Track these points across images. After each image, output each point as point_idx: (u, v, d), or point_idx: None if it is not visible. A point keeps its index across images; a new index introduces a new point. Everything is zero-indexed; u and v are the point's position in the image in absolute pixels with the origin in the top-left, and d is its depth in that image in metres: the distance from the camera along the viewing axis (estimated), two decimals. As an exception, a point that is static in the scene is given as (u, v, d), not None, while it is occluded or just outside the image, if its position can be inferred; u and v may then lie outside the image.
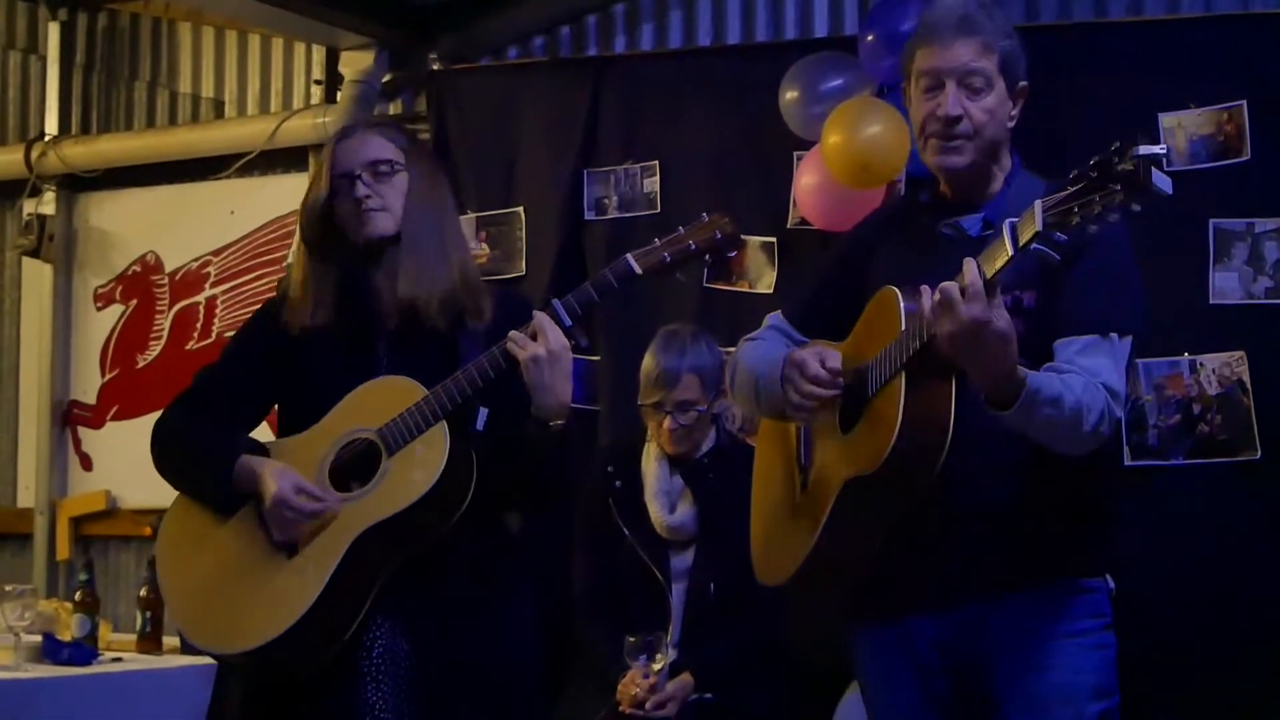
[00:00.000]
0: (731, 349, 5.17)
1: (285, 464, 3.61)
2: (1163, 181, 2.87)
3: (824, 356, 3.46)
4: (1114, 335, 3.34)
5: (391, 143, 3.73)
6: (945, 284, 3.11)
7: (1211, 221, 5.15)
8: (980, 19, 3.45)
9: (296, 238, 3.80)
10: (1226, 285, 5.15)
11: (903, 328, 3.30)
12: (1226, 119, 5.16)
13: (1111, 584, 3.50)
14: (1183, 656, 4.99)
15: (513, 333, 3.51)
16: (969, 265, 3.10)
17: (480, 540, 3.63)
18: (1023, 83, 3.51)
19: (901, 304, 3.34)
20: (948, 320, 3.10)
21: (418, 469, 3.51)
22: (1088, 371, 3.26)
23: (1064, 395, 3.19)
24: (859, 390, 3.41)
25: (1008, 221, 3.08)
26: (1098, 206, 2.91)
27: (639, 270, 3.55)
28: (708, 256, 3.62)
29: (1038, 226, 2.98)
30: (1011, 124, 3.51)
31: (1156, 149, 2.87)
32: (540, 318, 3.52)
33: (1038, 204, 2.99)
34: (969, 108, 3.43)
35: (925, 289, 3.17)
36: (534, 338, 3.50)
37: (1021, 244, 3.03)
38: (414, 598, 3.58)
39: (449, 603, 3.60)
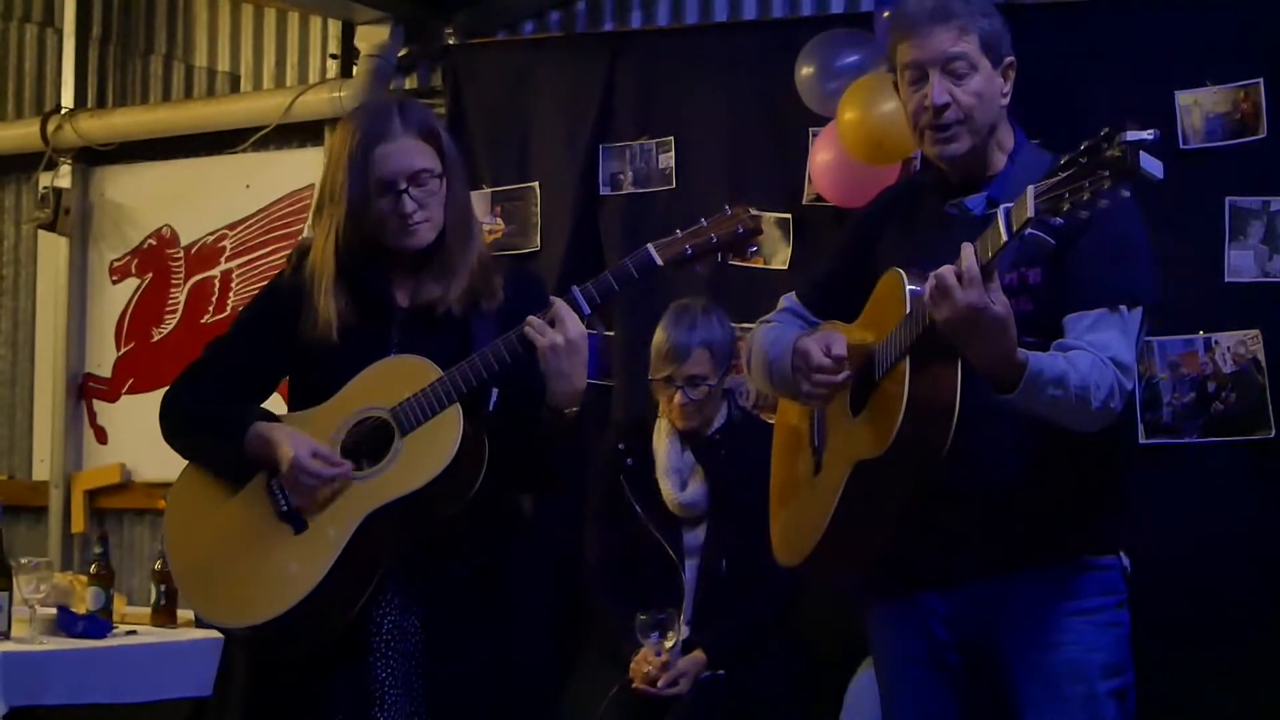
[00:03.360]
0: (745, 325, 5.19)
1: (299, 429, 3.60)
2: (1152, 165, 2.87)
3: (829, 342, 3.46)
4: (1123, 308, 3.34)
5: (430, 146, 3.64)
6: (940, 270, 3.12)
7: (1227, 199, 5.14)
8: (954, 3, 3.45)
9: (325, 244, 3.67)
10: (1242, 263, 5.14)
11: (907, 310, 3.30)
12: (1243, 97, 5.14)
13: (1126, 562, 3.50)
14: (1195, 634, 4.98)
15: (531, 318, 3.48)
16: (966, 250, 3.11)
17: (491, 520, 3.62)
18: (1009, 58, 3.51)
19: (906, 287, 3.34)
20: (945, 307, 3.11)
21: (430, 451, 3.49)
22: (1095, 347, 3.27)
23: (1068, 374, 3.19)
24: (867, 373, 3.42)
25: (1002, 207, 3.09)
26: (1087, 192, 2.91)
27: (660, 262, 3.53)
28: (730, 254, 3.60)
29: (1030, 212, 2.99)
30: (1005, 100, 3.51)
31: (1144, 134, 2.86)
32: (559, 306, 3.49)
33: (1030, 189, 3.00)
34: (955, 93, 3.44)
35: (929, 276, 3.17)
36: (552, 324, 3.48)
37: (1015, 229, 3.04)
38: (424, 575, 3.58)
39: (459, 580, 3.60)
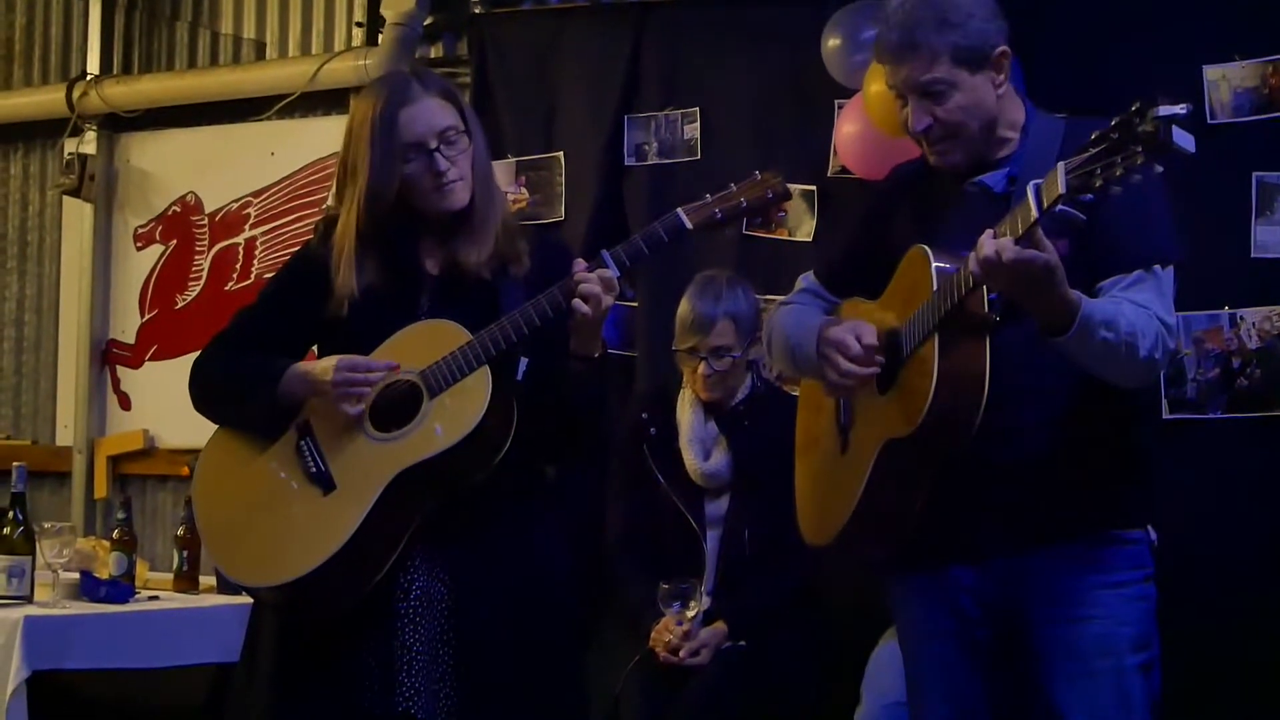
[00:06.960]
0: (770, 296, 5.18)
1: None
2: (1185, 140, 2.85)
3: (859, 331, 3.46)
4: (1156, 267, 3.35)
5: (452, 105, 3.68)
6: (982, 243, 3.10)
7: (1254, 174, 5.11)
8: (918, 32, 3.40)
9: (347, 218, 3.68)
10: (1268, 239, 5.11)
11: (934, 287, 3.30)
12: (1271, 72, 5.12)
13: (1153, 535, 3.50)
14: (1219, 610, 4.96)
15: (581, 274, 3.50)
16: (992, 232, 3.11)
17: (518, 487, 3.64)
18: (998, 49, 3.45)
19: (933, 264, 3.34)
20: (999, 276, 3.10)
21: (459, 412, 3.51)
22: (1137, 305, 3.26)
23: (1119, 318, 3.19)
24: (894, 351, 3.41)
25: (1032, 184, 3.07)
26: (1119, 169, 2.90)
27: (689, 225, 3.55)
28: (759, 218, 3.61)
29: (1061, 189, 2.98)
30: (1000, 90, 3.47)
31: (1177, 109, 2.85)
32: (602, 273, 3.51)
33: (1061, 166, 2.98)
34: (936, 113, 3.43)
35: (971, 252, 3.16)
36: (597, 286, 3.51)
37: (1046, 206, 3.03)
38: (452, 541, 3.59)
39: (487, 547, 3.61)
